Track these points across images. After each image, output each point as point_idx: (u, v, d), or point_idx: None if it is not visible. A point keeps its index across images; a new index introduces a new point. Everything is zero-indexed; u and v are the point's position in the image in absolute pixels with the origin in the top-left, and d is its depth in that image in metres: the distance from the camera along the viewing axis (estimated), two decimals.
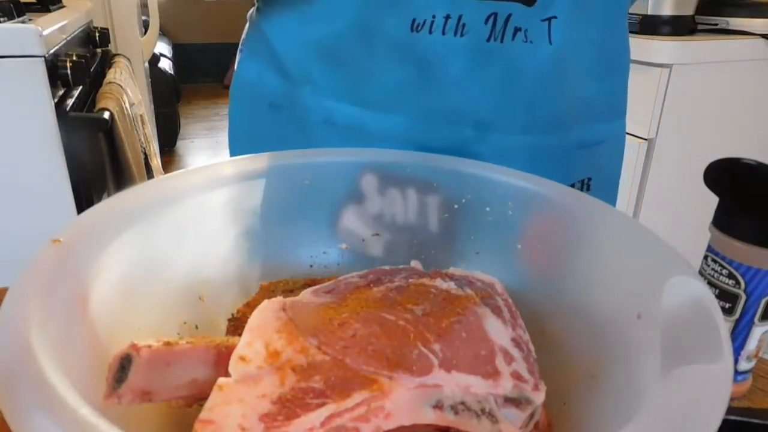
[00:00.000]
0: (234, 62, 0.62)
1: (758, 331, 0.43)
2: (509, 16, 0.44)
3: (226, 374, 0.27)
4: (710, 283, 0.43)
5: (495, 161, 0.45)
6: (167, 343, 0.27)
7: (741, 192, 0.42)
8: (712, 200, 0.44)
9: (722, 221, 0.42)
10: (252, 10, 0.60)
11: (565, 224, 0.39)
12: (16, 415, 0.20)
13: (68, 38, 1.22)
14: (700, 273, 0.44)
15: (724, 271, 0.42)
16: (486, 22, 0.44)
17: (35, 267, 0.28)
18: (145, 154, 1.44)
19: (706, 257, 0.44)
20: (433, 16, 0.45)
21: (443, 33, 0.45)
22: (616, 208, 0.38)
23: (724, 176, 0.43)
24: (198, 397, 0.27)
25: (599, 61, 0.52)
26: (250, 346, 0.28)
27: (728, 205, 0.42)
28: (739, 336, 0.43)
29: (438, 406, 0.27)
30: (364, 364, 0.27)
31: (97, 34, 1.61)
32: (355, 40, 0.48)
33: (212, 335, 0.36)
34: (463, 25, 0.45)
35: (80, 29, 1.42)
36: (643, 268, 0.33)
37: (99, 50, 1.62)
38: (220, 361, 0.28)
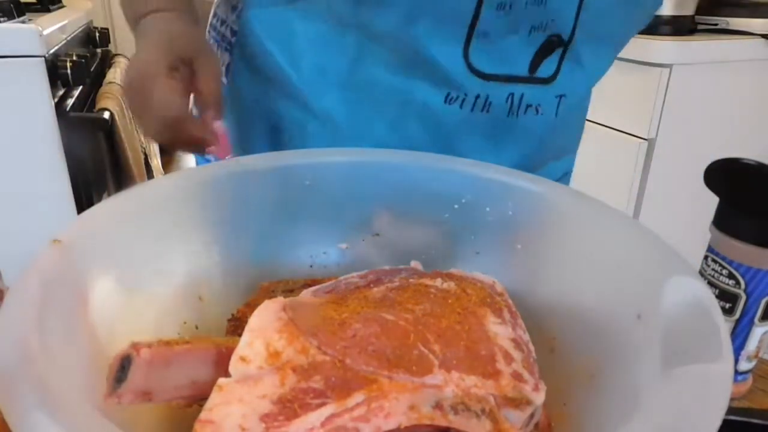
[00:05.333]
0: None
1: (758, 331, 0.43)
2: (522, 95, 0.52)
3: (226, 374, 0.27)
4: (710, 283, 0.43)
5: None
6: (167, 343, 0.27)
7: (741, 192, 0.42)
8: (712, 200, 0.44)
9: (722, 221, 0.42)
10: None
11: (565, 224, 0.39)
12: (16, 415, 0.20)
13: (68, 38, 1.22)
14: (700, 273, 0.44)
15: (724, 271, 0.42)
16: (507, 101, 0.52)
17: (35, 267, 0.28)
18: (145, 154, 1.44)
19: (706, 257, 0.44)
20: (465, 94, 0.51)
21: (471, 110, 0.52)
22: (616, 208, 0.38)
23: (724, 176, 0.43)
24: (198, 397, 0.27)
25: (581, 113, 0.64)
26: (250, 346, 0.28)
27: (728, 205, 0.42)
28: (739, 336, 0.43)
29: (438, 406, 0.27)
30: (364, 364, 0.27)
31: (97, 34, 1.61)
32: (393, 99, 0.53)
33: (212, 335, 0.36)
34: (490, 103, 0.52)
35: (80, 29, 1.43)
36: (643, 268, 0.32)
37: (99, 50, 1.62)
38: (220, 361, 0.28)
